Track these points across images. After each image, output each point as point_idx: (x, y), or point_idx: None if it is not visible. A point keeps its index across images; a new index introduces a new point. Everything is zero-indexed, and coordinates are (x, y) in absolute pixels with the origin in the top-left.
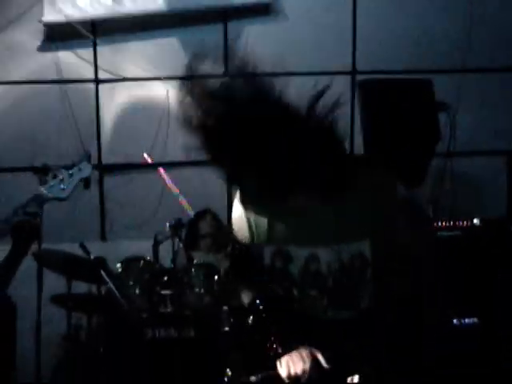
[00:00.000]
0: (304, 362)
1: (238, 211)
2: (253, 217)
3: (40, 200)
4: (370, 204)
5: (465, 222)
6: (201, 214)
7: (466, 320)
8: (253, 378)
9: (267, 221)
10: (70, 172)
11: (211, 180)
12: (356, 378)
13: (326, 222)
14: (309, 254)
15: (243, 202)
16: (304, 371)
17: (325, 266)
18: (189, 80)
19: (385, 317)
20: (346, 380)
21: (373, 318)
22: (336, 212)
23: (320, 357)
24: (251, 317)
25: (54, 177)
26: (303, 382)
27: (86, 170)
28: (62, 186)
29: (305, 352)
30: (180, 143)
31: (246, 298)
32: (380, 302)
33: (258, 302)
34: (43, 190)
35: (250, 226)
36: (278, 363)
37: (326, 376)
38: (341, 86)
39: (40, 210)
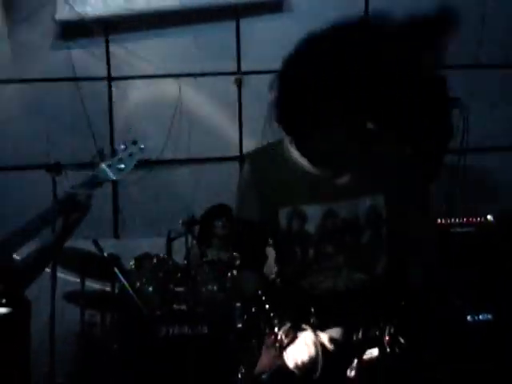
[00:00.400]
0: (309, 348)
1: (247, 183)
2: (264, 184)
3: (95, 181)
4: (382, 159)
5: (478, 219)
6: (214, 210)
7: (480, 316)
8: (263, 375)
9: (280, 178)
10: (130, 151)
11: (225, 176)
12: (375, 351)
13: (340, 176)
14: (325, 211)
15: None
16: (311, 358)
17: (341, 222)
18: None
19: (399, 287)
20: (360, 355)
21: (386, 288)
22: (349, 165)
23: (325, 338)
24: (253, 308)
25: (113, 154)
26: (313, 370)
27: (142, 151)
28: (120, 166)
29: (309, 338)
30: (192, 140)
31: (248, 286)
32: (394, 266)
33: (259, 292)
34: (101, 169)
35: (260, 197)
36: (284, 355)
37: (333, 357)
38: None
39: (93, 191)
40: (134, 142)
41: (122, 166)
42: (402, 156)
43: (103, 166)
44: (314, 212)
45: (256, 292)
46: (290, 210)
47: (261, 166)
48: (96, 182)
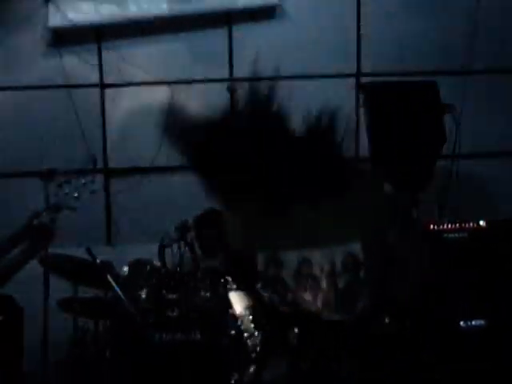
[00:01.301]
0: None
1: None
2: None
3: (56, 208)
4: (358, 206)
5: (471, 224)
6: (204, 217)
7: (473, 322)
8: None
9: (259, 227)
10: (83, 181)
11: None
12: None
13: (316, 225)
14: (301, 258)
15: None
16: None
17: (317, 269)
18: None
19: (381, 321)
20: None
21: (368, 322)
22: (325, 215)
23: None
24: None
25: (67, 182)
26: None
27: (98, 182)
28: (76, 195)
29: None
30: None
31: (238, 306)
32: (375, 305)
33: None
34: (60, 197)
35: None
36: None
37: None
38: (345, 88)
39: (56, 217)
40: (87, 174)
41: (77, 194)
42: (377, 202)
43: (62, 193)
44: (289, 258)
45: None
46: (267, 255)
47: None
48: (57, 208)
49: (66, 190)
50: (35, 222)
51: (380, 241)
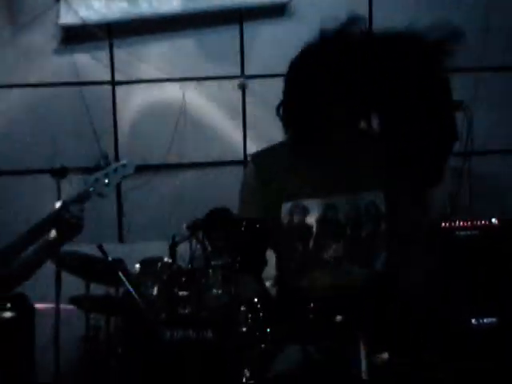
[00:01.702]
0: None
1: (251, 181)
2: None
3: (85, 195)
4: (383, 155)
5: (483, 222)
6: (214, 215)
7: (485, 320)
8: None
9: (283, 175)
10: (114, 167)
11: (229, 180)
12: (386, 355)
13: (341, 172)
14: (326, 204)
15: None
16: None
17: (342, 215)
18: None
19: (397, 283)
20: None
21: (384, 285)
22: (350, 161)
23: None
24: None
25: (98, 169)
26: None
27: (130, 166)
28: (106, 181)
29: None
30: (196, 144)
31: (246, 290)
32: (393, 263)
33: (255, 300)
34: (89, 184)
35: (264, 194)
36: None
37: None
38: None
39: (83, 207)
40: (118, 160)
41: (107, 180)
42: (404, 156)
43: (91, 179)
44: (314, 206)
45: (252, 299)
46: (292, 204)
47: (264, 165)
48: (86, 196)
49: (96, 176)
50: (62, 212)
51: (404, 195)
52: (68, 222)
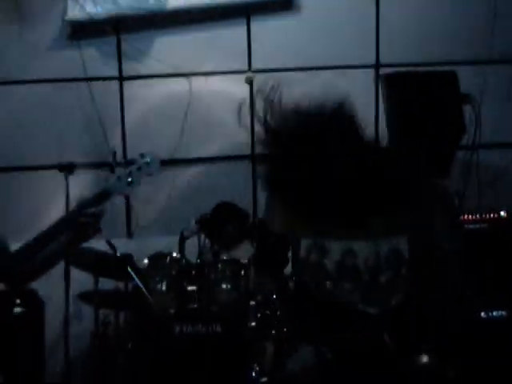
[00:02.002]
0: None
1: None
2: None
3: (106, 194)
4: (408, 199)
5: (491, 215)
6: (221, 209)
7: (494, 313)
8: None
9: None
10: (139, 165)
11: (237, 175)
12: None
13: (362, 216)
14: (345, 248)
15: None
16: None
17: (361, 261)
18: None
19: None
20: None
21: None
22: (374, 205)
23: None
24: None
25: (121, 166)
26: None
27: (155, 164)
28: (129, 179)
29: None
30: (204, 139)
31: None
32: (412, 301)
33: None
34: (111, 183)
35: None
36: None
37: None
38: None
39: (102, 208)
40: (142, 156)
41: (130, 179)
42: (428, 194)
43: (113, 178)
44: (334, 247)
45: (270, 295)
46: (311, 242)
47: None
48: (106, 195)
49: (119, 175)
50: (78, 212)
51: (427, 235)
52: (84, 223)
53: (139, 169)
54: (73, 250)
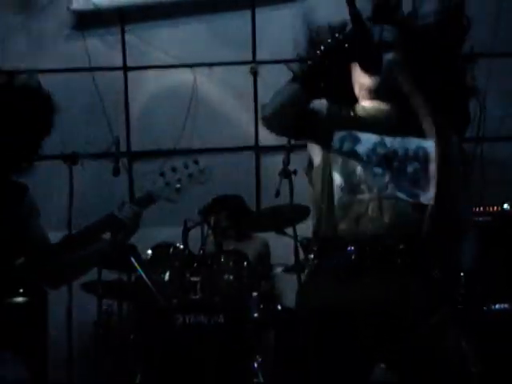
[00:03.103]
0: None
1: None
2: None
3: (151, 199)
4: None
5: (495, 208)
6: (215, 203)
7: (497, 306)
8: None
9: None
10: (190, 172)
11: (241, 166)
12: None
13: (396, 116)
14: (377, 139)
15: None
16: None
17: (390, 151)
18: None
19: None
20: None
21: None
22: (404, 109)
23: None
24: None
25: (173, 171)
26: None
27: (207, 172)
28: (178, 186)
29: None
30: (208, 129)
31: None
32: (440, 200)
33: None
34: (158, 187)
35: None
36: None
37: None
38: None
39: (141, 210)
40: (196, 162)
41: (179, 185)
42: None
43: (161, 182)
44: (366, 138)
45: None
46: (345, 133)
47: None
48: (151, 200)
49: (168, 180)
50: (117, 213)
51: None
52: (121, 223)
53: (190, 176)
54: (115, 249)
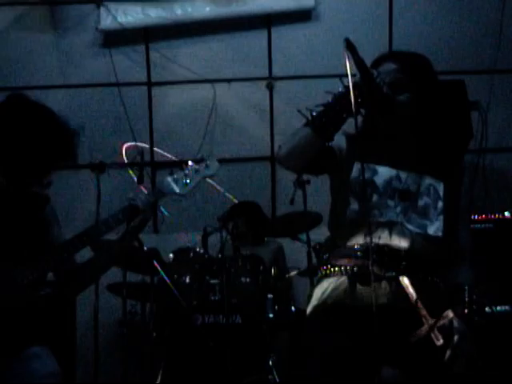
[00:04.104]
0: None
1: None
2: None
3: (161, 194)
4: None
5: (496, 215)
6: (235, 209)
7: (498, 308)
8: None
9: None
10: (197, 167)
11: (257, 175)
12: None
13: (410, 153)
14: (393, 173)
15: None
16: None
17: (405, 189)
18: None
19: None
20: None
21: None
22: (420, 145)
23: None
24: None
25: (181, 169)
26: None
27: (213, 167)
28: (185, 181)
29: None
30: (226, 141)
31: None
32: (447, 231)
33: None
34: (166, 182)
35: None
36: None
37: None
38: None
39: (155, 201)
40: (202, 160)
41: (188, 181)
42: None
43: (169, 179)
44: (383, 170)
45: None
46: (364, 165)
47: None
48: (160, 194)
49: (175, 176)
50: (131, 204)
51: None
52: (137, 209)
53: (197, 171)
54: (132, 239)
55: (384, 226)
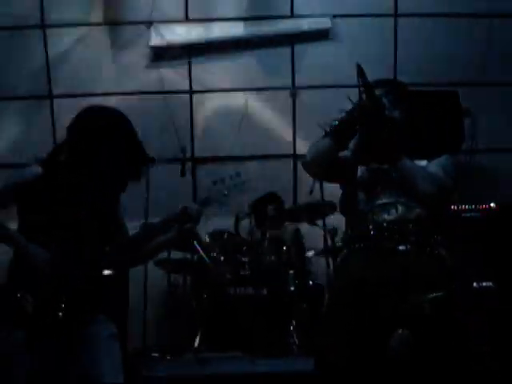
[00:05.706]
0: None
1: None
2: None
3: (207, 201)
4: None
5: (484, 206)
6: (266, 197)
7: (484, 284)
8: None
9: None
10: (234, 183)
11: (281, 169)
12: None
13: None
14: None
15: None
16: None
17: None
18: None
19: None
20: None
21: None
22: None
23: None
24: None
25: (222, 181)
26: None
27: (246, 184)
28: (225, 192)
29: None
30: (256, 141)
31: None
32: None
33: None
34: (212, 193)
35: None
36: None
37: None
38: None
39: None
40: (238, 174)
41: (226, 192)
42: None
43: (214, 191)
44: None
45: None
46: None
47: None
48: (208, 202)
49: (218, 187)
50: (185, 210)
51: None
52: (190, 217)
53: (235, 185)
54: (183, 236)
55: (388, 206)
